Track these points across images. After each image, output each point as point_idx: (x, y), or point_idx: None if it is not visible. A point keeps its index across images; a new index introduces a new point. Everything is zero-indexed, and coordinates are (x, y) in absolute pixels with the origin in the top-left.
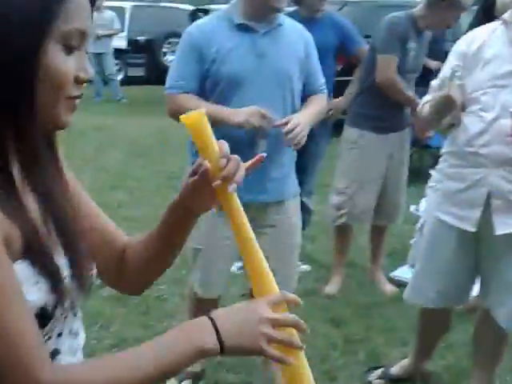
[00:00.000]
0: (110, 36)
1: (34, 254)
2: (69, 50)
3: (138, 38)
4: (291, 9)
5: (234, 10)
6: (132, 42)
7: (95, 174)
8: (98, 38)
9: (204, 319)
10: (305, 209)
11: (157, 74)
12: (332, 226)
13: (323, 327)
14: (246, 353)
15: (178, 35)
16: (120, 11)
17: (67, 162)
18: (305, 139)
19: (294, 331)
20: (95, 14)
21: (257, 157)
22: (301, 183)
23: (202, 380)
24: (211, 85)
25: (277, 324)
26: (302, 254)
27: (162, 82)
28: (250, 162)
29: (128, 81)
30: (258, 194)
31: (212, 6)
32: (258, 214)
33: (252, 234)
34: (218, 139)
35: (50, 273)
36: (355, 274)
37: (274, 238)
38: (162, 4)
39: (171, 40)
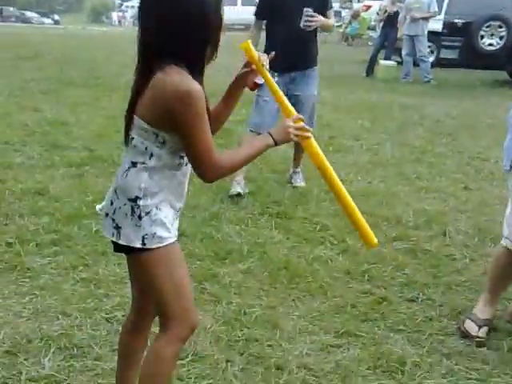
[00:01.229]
0: (426, 19)
1: None
2: None
3: (456, 20)
4: None
5: None
6: (448, 25)
7: (396, 148)
8: (413, 20)
9: (267, 134)
10: None
11: (472, 58)
12: None
13: None
14: (287, 141)
15: (499, 19)
16: None
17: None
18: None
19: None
20: None
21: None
22: None
23: None
24: None
25: (296, 126)
26: None
27: (477, 66)
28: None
29: (440, 63)
30: None
31: None
32: None
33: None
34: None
35: None
36: None
37: None
38: None
39: (491, 23)
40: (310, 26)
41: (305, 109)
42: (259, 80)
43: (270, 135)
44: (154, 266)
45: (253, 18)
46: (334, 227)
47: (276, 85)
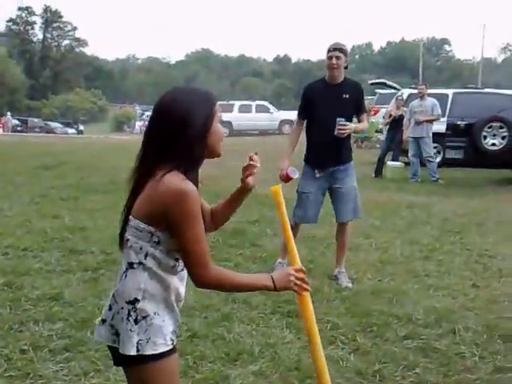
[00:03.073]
0: (430, 121)
1: None
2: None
3: (459, 122)
4: None
5: None
6: (452, 126)
7: (406, 246)
8: (418, 123)
9: (268, 275)
10: None
11: (476, 157)
12: None
13: None
14: (285, 290)
15: (499, 120)
16: (443, 97)
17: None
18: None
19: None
20: (417, 101)
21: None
22: None
23: None
24: None
25: (298, 276)
26: None
27: (481, 165)
28: None
29: (446, 163)
30: None
31: None
32: None
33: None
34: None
35: None
36: None
37: None
38: (486, 90)
39: (492, 124)
40: (342, 134)
41: (348, 200)
42: (293, 173)
43: (272, 279)
44: (149, 378)
45: (267, 123)
46: (345, 326)
47: (290, 231)
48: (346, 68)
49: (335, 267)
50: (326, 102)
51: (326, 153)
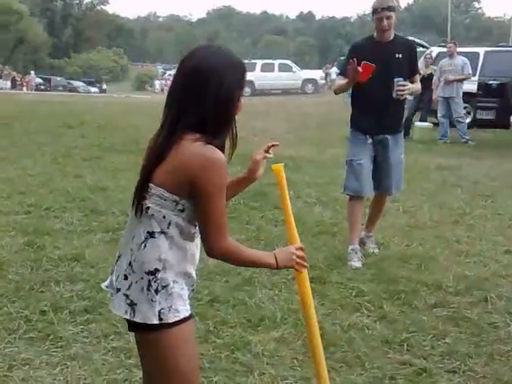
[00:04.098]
0: (460, 81)
1: None
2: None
3: (490, 81)
4: None
5: None
6: (483, 86)
7: (434, 210)
8: (448, 83)
9: (272, 254)
10: None
11: (507, 118)
12: None
13: None
14: (286, 268)
15: None
16: (474, 56)
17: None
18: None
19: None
20: (447, 59)
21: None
22: None
23: None
24: None
25: (299, 254)
26: None
27: None
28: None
29: (476, 124)
30: None
31: None
32: None
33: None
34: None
35: None
36: None
37: None
38: None
39: None
40: (402, 95)
41: (395, 172)
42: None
43: (275, 258)
44: (170, 344)
45: (289, 82)
46: (371, 293)
47: (290, 207)
48: None
49: (363, 230)
50: (378, 62)
51: (380, 117)
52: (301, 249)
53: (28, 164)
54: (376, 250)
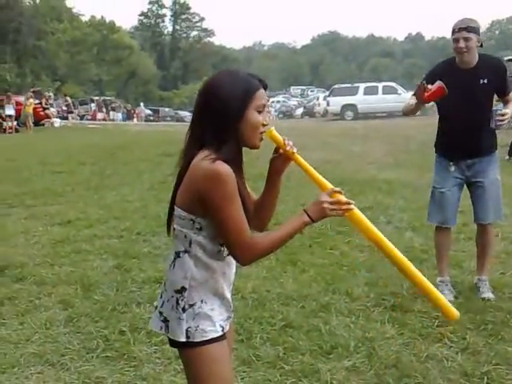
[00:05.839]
0: None
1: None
2: (258, 112)
3: None
4: None
5: None
6: None
7: None
8: None
9: (301, 211)
10: None
11: None
12: None
13: None
14: (323, 218)
15: None
16: None
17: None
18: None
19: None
20: None
21: None
22: None
23: None
24: None
25: (331, 201)
26: None
27: None
28: None
29: None
30: None
31: None
32: None
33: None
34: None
35: None
36: None
37: None
38: None
39: None
40: (501, 126)
41: (490, 195)
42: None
43: (306, 212)
44: (198, 363)
45: (394, 105)
46: (455, 322)
47: (304, 161)
48: (480, 46)
49: (475, 274)
50: (458, 89)
51: (464, 143)
52: (334, 192)
53: (126, 191)
54: (491, 296)
